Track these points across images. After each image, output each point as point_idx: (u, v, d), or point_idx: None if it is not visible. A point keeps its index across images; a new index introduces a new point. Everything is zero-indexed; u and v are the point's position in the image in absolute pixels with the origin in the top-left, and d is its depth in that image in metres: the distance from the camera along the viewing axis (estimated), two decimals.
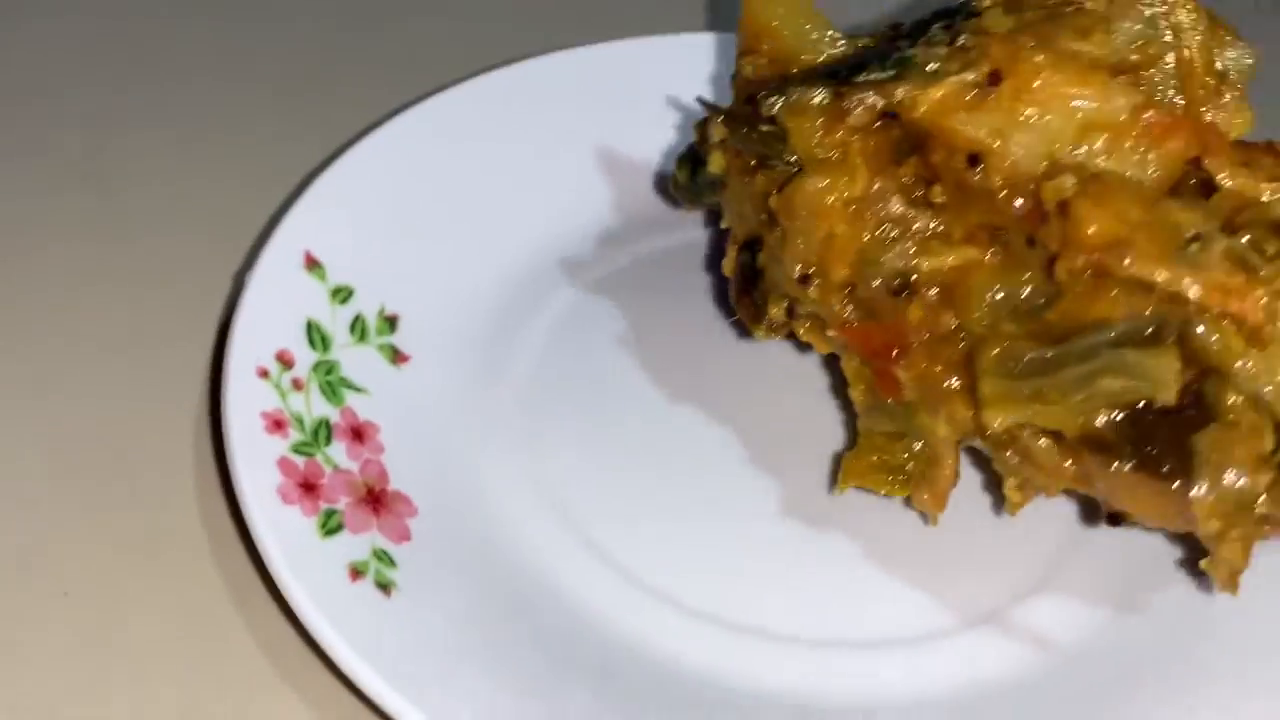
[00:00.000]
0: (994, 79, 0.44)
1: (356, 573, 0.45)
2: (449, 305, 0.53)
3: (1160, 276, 0.41)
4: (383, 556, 0.45)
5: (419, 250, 0.53)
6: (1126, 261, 0.42)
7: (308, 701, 0.45)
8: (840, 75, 0.46)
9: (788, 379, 0.54)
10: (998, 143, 0.44)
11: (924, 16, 0.48)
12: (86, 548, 0.47)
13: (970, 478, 0.51)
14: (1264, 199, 0.42)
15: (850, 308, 0.47)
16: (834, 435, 0.53)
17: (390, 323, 0.51)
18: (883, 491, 0.49)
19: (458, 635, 0.45)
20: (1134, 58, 0.44)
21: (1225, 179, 0.43)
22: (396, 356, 0.51)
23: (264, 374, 0.48)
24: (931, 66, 0.45)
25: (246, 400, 0.47)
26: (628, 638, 0.47)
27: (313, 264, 0.51)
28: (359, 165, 0.54)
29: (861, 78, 0.46)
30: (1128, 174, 0.43)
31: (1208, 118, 0.44)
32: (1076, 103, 0.43)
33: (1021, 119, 0.43)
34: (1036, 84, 0.43)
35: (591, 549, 0.49)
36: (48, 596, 0.46)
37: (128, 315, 0.53)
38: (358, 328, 0.51)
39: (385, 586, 0.45)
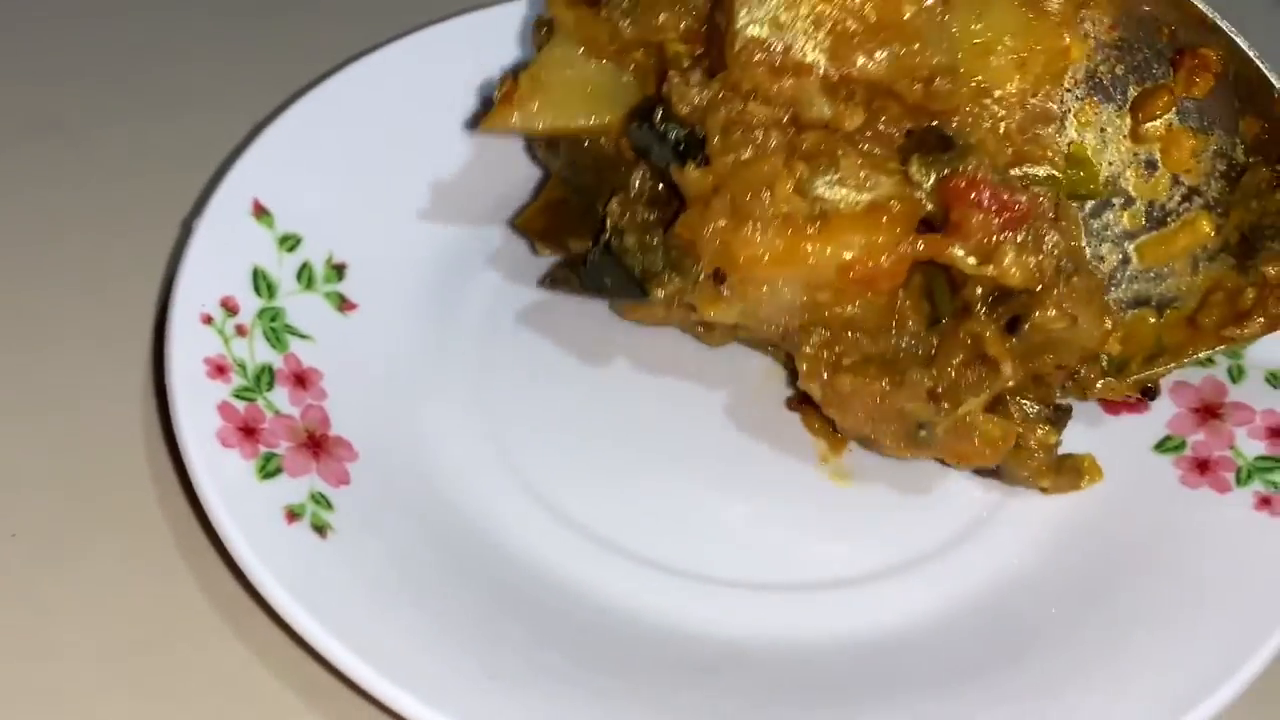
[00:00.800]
0: (719, 277, 0.47)
1: (293, 515, 0.45)
2: (397, 255, 0.53)
3: (907, 456, 0.49)
4: (320, 500, 0.46)
5: (368, 199, 0.53)
6: (880, 448, 0.49)
7: (246, 641, 0.45)
8: (599, 291, 0.51)
9: None
10: (751, 321, 0.48)
11: (656, 128, 0.48)
12: (33, 490, 0.48)
13: None
14: (990, 272, 0.46)
15: None
16: (780, 382, 0.53)
17: (338, 271, 0.52)
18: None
19: (393, 577, 0.45)
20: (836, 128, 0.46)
21: (956, 259, 0.46)
22: (343, 304, 0.51)
23: (208, 320, 0.48)
24: (664, 291, 0.48)
25: (189, 346, 0.47)
26: (566, 581, 0.47)
27: (261, 212, 0.51)
28: (310, 114, 0.54)
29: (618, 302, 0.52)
30: (856, 319, 0.47)
31: (935, 85, 0.46)
32: (793, 277, 0.47)
33: (757, 300, 0.47)
34: (754, 270, 0.47)
35: (531, 495, 0.49)
36: None
37: (76, 260, 0.53)
38: (304, 275, 0.51)
39: (321, 529, 0.45)
